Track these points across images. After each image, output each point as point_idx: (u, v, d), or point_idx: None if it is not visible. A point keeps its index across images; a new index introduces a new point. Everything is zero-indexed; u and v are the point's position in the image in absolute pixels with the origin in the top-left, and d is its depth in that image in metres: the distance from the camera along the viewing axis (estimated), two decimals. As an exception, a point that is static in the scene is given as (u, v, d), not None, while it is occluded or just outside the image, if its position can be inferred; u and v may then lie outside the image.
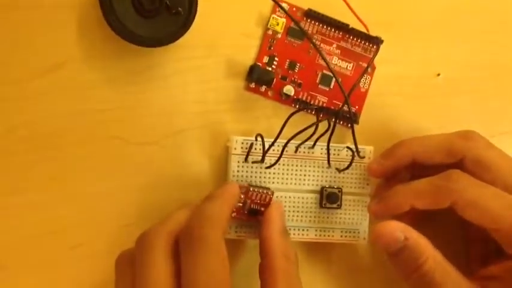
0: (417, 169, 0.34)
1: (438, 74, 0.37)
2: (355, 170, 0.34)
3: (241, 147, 0.33)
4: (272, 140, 0.32)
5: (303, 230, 0.34)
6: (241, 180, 0.33)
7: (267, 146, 0.32)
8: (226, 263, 0.26)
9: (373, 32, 0.35)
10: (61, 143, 0.32)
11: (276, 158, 0.32)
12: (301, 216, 0.34)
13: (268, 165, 0.33)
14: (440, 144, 0.33)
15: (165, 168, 0.34)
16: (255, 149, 0.33)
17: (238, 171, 0.33)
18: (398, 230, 0.30)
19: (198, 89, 0.34)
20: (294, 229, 0.34)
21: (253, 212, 0.32)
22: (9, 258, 0.31)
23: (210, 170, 0.34)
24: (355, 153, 0.33)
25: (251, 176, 0.33)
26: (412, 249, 0.30)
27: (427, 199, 0.31)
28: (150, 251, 0.27)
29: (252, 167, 0.33)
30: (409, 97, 0.37)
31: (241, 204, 0.32)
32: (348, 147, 0.34)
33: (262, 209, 0.32)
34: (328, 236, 0.34)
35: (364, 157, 0.34)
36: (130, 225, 0.33)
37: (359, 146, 0.33)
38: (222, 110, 0.34)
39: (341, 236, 0.34)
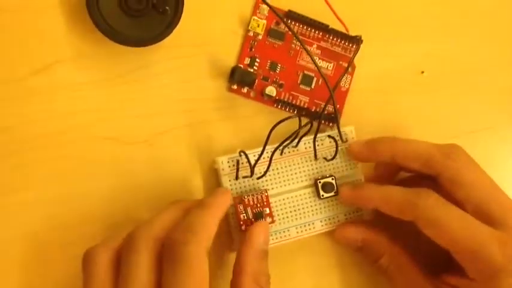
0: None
1: (422, 72, 0.38)
2: (342, 154, 0.35)
3: (229, 166, 0.33)
4: (256, 150, 0.32)
5: (309, 225, 0.35)
6: (237, 193, 0.33)
7: (251, 159, 0.32)
8: (206, 282, 0.26)
9: (355, 30, 0.36)
10: (52, 144, 0.32)
11: (265, 166, 0.33)
12: (303, 213, 0.34)
13: (258, 175, 0.33)
14: (421, 154, 0.32)
15: (155, 168, 0.34)
16: (242, 163, 0.33)
17: (232, 188, 0.33)
18: (355, 232, 0.34)
19: (183, 88, 0.34)
20: (300, 227, 0.34)
21: (259, 216, 0.33)
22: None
23: (197, 168, 0.34)
24: (339, 139, 0.34)
25: (245, 188, 0.33)
26: (368, 248, 0.34)
27: (392, 207, 0.32)
28: (136, 254, 0.27)
29: (244, 181, 0.33)
30: (391, 94, 0.38)
31: (244, 216, 0.33)
32: (329, 136, 0.34)
33: (266, 209, 0.33)
34: (334, 223, 0.35)
35: (347, 141, 0.35)
36: (120, 225, 0.32)
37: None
38: (206, 109, 0.35)
39: (346, 219, 0.35)
